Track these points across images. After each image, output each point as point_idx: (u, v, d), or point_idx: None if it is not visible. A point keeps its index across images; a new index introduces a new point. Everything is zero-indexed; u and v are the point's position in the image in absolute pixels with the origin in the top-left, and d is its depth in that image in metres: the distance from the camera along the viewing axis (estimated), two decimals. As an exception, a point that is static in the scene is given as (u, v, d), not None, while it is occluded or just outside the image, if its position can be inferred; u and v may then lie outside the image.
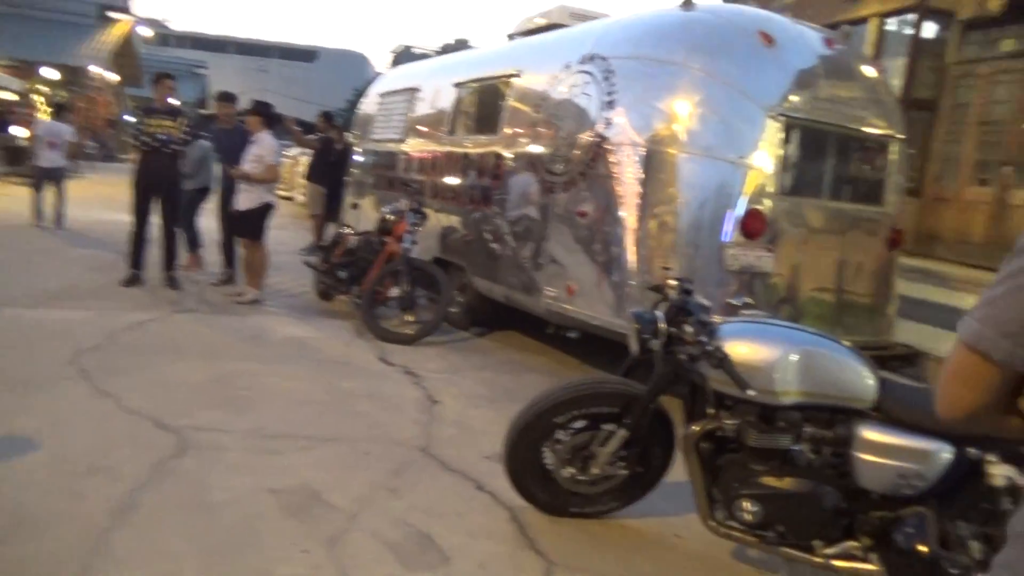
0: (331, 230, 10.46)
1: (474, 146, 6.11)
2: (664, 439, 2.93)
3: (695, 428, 2.58)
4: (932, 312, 6.71)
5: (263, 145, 6.29)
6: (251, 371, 4.62)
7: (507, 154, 5.60)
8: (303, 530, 2.77)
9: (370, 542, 2.74)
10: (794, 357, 2.44)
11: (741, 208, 4.28)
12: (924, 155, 9.31)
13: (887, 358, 4.60)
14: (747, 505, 2.52)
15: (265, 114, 6.45)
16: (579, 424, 2.89)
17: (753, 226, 4.26)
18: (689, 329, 2.52)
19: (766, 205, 4.31)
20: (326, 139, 10.23)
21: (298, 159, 15.27)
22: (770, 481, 2.52)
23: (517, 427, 2.89)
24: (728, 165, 4.35)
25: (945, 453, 2.33)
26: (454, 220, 6.34)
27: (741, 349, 2.48)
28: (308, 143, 10.02)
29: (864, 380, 2.42)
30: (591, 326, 4.67)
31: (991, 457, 2.29)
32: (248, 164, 6.28)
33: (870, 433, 2.41)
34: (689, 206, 4.36)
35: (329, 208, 10.31)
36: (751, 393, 2.39)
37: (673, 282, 2.82)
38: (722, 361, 2.40)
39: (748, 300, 4.17)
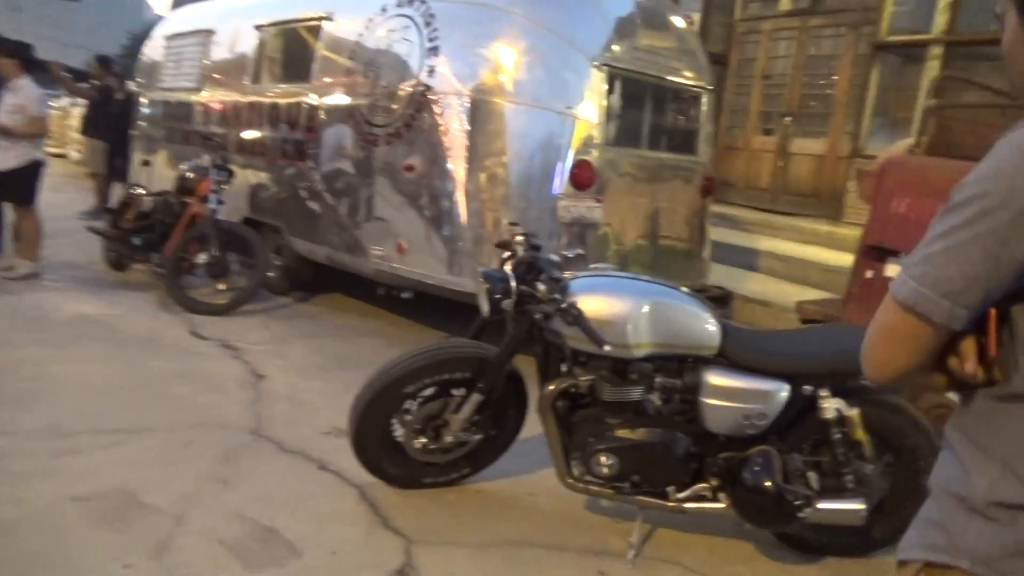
0: (118, 191, 9.38)
1: (283, 96, 5.62)
2: (517, 399, 2.86)
3: (551, 387, 2.52)
4: (730, 253, 7.27)
5: (24, 93, 5.36)
6: (35, 358, 3.98)
7: (321, 105, 5.20)
8: (121, 541, 2.41)
9: (204, 544, 2.45)
10: (645, 309, 2.44)
11: (570, 159, 4.27)
12: (717, 107, 9.96)
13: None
14: (604, 459, 2.52)
15: (23, 57, 5.49)
16: (429, 392, 2.75)
17: (582, 177, 4.27)
18: (542, 287, 2.44)
19: (594, 156, 4.34)
20: (104, 88, 9.05)
21: (69, 110, 13.50)
22: (625, 433, 2.54)
23: (363, 402, 2.69)
24: (556, 115, 4.31)
25: (783, 392, 2.46)
26: (264, 177, 5.84)
27: (593, 304, 2.45)
28: (82, 92, 8.80)
29: (709, 328, 2.48)
30: (425, 285, 4.51)
31: (823, 392, 2.45)
32: (5, 116, 5.35)
33: (716, 378, 2.48)
34: (519, 158, 4.28)
35: (113, 166, 9.20)
36: (607, 348, 2.36)
37: (521, 238, 2.73)
38: (577, 318, 2.35)
39: (580, 251, 4.23)
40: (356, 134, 4.86)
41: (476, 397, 2.69)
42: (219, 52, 6.53)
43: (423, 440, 2.80)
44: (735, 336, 2.52)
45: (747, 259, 7.49)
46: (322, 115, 5.18)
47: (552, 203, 4.26)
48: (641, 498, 2.58)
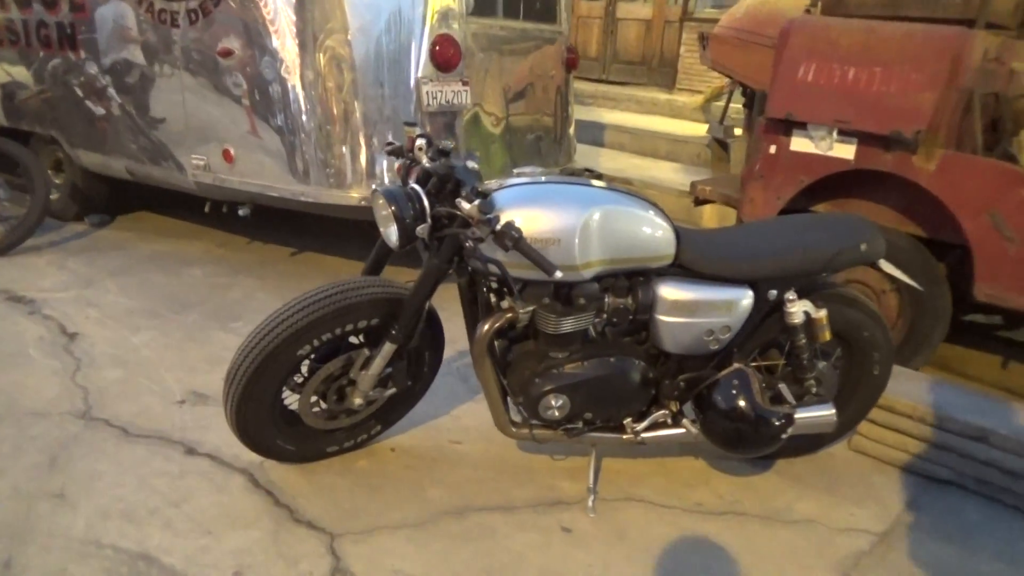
0: None
1: (29, -37, 4.31)
2: (433, 340, 2.37)
3: (486, 326, 2.05)
4: (581, 130, 6.93)
5: None
6: None
7: (88, -26, 4.02)
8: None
9: (52, 597, 1.80)
10: (593, 221, 2.00)
11: (427, 35, 3.60)
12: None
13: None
14: (552, 400, 2.14)
15: None
16: (327, 348, 2.18)
17: (447, 56, 3.63)
18: (466, 204, 1.91)
19: (455, 30, 3.68)
20: None
21: None
22: (573, 368, 2.15)
23: (243, 373, 2.07)
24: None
25: (747, 299, 2.17)
26: (20, 74, 4.57)
27: (531, 221, 1.96)
28: None
29: (663, 235, 2.10)
30: (266, 198, 3.74)
31: (790, 295, 2.19)
32: None
33: (673, 292, 2.13)
34: (364, 34, 3.53)
35: None
36: (558, 275, 1.91)
37: (421, 141, 2.14)
38: (518, 241, 1.86)
39: (449, 143, 3.66)
40: (144, 12, 3.81)
41: (389, 347, 2.16)
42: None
43: (324, 406, 2.25)
44: (689, 241, 2.16)
45: (592, 134, 7.22)
46: (91, -12, 4.02)
47: (410, 89, 3.60)
48: (595, 435, 2.25)
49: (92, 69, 4.18)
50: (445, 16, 3.65)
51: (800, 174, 3.21)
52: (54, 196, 4.65)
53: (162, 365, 2.97)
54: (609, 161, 6.54)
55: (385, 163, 3.58)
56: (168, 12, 3.71)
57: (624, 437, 2.26)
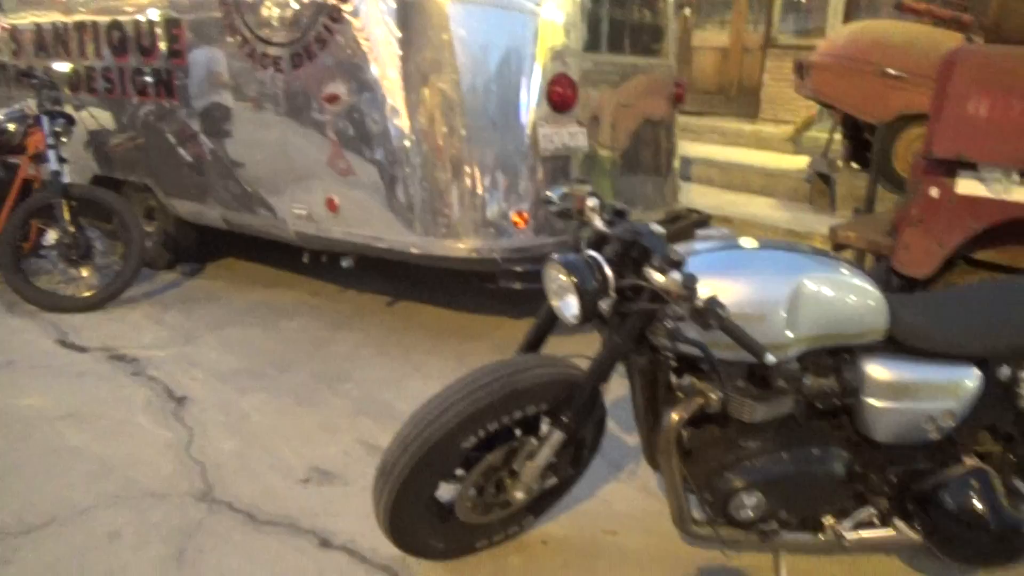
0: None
1: (126, 11, 4.25)
2: (596, 421, 2.10)
3: (677, 416, 1.78)
4: (683, 166, 6.63)
5: None
6: None
7: (187, 19, 3.93)
8: None
9: None
10: (799, 293, 1.72)
11: (539, 73, 3.39)
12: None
13: (685, 229, 4.23)
14: (745, 499, 1.84)
15: None
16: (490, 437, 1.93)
17: (564, 95, 3.41)
18: (660, 277, 1.65)
19: (572, 67, 3.47)
20: None
21: None
22: (769, 461, 1.86)
23: (402, 469, 1.83)
24: (517, 15, 3.38)
25: (976, 380, 1.85)
26: (114, 121, 4.52)
27: (730, 293, 1.70)
28: None
29: (874, 305, 1.80)
30: (373, 249, 3.55)
31: (1025, 374, 1.87)
32: None
33: (885, 372, 1.83)
34: (475, 76, 3.34)
35: None
36: (771, 359, 1.63)
37: (594, 202, 1.90)
38: (723, 320, 1.59)
39: (566, 191, 3.42)
40: (246, 57, 3.69)
41: (558, 436, 1.90)
42: (19, -43, 4.92)
43: (481, 499, 2.00)
44: (902, 311, 1.86)
45: (702, 171, 6.92)
46: (190, 34, 3.93)
47: (524, 132, 3.38)
48: (789, 538, 1.95)
49: (188, 116, 4.08)
50: (560, 54, 3.44)
51: (969, 220, 2.88)
52: (147, 245, 4.56)
53: (277, 435, 2.77)
54: (700, 197, 6.24)
55: (495, 209, 3.37)
56: (271, 57, 3.58)
57: (822, 537, 1.95)
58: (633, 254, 1.77)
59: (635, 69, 4.00)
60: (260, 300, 4.25)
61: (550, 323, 2.02)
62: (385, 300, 4.30)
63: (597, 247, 1.85)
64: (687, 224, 4.28)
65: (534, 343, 2.06)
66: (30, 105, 4.29)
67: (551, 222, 3.48)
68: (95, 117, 4.60)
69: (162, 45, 4.05)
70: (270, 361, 3.43)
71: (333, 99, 3.42)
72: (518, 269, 3.33)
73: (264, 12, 3.55)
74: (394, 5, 3.29)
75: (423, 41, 3.30)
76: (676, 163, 4.57)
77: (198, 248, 4.79)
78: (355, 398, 3.09)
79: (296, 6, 3.43)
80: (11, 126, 4.26)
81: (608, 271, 1.74)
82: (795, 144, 7.23)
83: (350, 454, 2.66)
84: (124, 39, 4.24)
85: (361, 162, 3.44)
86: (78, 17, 4.49)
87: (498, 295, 4.12)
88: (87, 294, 4.01)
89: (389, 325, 3.92)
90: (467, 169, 3.32)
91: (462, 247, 3.34)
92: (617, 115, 3.88)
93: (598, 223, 1.87)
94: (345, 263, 3.73)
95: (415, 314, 4.07)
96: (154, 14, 4.05)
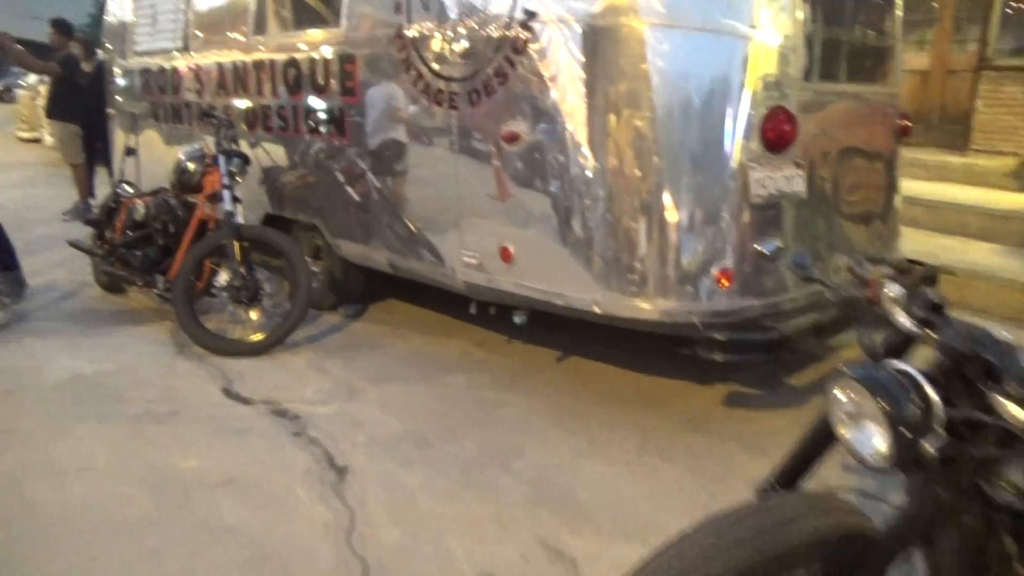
0: (103, 182, 7.99)
1: (301, 48, 4.17)
2: None
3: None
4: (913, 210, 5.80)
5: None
6: (7, 470, 2.70)
7: (361, 56, 3.77)
8: None
9: None
10: None
11: (755, 106, 2.89)
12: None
13: (912, 283, 3.53)
14: None
15: None
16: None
17: (781, 132, 2.90)
18: (1018, 411, 1.12)
19: (790, 99, 2.95)
20: (68, 59, 7.54)
21: (37, 89, 11.95)
22: None
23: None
24: (726, 40, 2.92)
25: None
26: (286, 160, 4.45)
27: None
28: (41, 67, 7.28)
29: None
30: (551, 305, 3.18)
31: None
32: None
33: None
34: (674, 112, 2.90)
35: (91, 151, 7.79)
36: None
37: (894, 290, 1.40)
38: None
39: (779, 244, 2.89)
40: (420, 93, 3.45)
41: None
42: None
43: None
44: None
45: (935, 216, 6.07)
46: (364, 71, 3.76)
47: (729, 175, 2.89)
48: None
49: (357, 155, 3.92)
50: (777, 84, 2.93)
51: None
52: (313, 286, 4.45)
53: (445, 525, 2.42)
54: (907, 241, 5.40)
55: (694, 265, 2.89)
56: (447, 93, 3.31)
57: None
58: (970, 372, 1.24)
59: (857, 99, 3.40)
60: (423, 349, 3.99)
61: (818, 450, 1.51)
62: (555, 355, 3.91)
63: (898, 353, 1.34)
64: (912, 281, 3.59)
65: (793, 475, 1.56)
66: (209, 144, 4.30)
67: (759, 281, 2.96)
68: (269, 155, 4.57)
69: (335, 82, 3.92)
70: (435, 426, 3.12)
71: (512, 138, 3.09)
72: (720, 337, 2.83)
73: (441, 47, 3.30)
74: (582, 32, 2.93)
75: (616, 72, 2.90)
76: (897, 206, 3.89)
77: (363, 289, 4.63)
78: (529, 481, 2.70)
79: (476, 39, 3.14)
80: (191, 165, 4.28)
81: (934, 396, 1.23)
82: (1020, 180, 6.21)
83: (529, 559, 2.26)
84: (299, 76, 4.16)
85: (541, 208, 3.08)
86: (257, 55, 4.48)
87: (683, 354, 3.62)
88: (255, 338, 3.90)
89: (561, 386, 3.52)
90: (662, 218, 2.87)
91: (654, 308, 2.89)
92: (834, 152, 3.29)
93: (904, 320, 1.36)
94: (518, 319, 3.38)
95: (589, 374, 3.65)
96: (328, 51, 3.93)
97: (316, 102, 4.08)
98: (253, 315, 4.02)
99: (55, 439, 2.96)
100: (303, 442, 2.97)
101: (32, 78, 12.31)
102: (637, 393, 3.44)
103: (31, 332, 4.18)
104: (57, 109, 7.61)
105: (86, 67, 7.73)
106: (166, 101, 5.46)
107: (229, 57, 4.74)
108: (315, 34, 4.10)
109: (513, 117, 3.08)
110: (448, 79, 3.29)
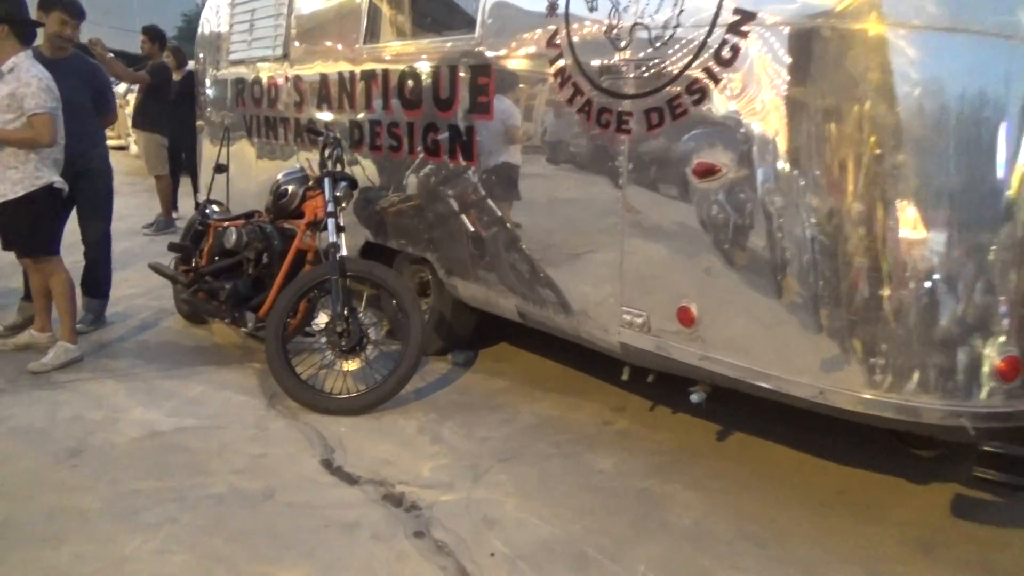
0: (186, 192, 7.65)
1: (421, 58, 3.60)
2: None
3: None
4: None
5: (20, 77, 3.46)
6: (60, 566, 2.15)
7: (499, 66, 3.16)
8: None
9: None
10: None
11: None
12: None
13: None
14: None
15: (10, 18, 3.48)
16: None
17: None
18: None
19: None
20: (159, 68, 7.23)
21: (127, 98, 11.88)
22: None
23: None
24: (1001, 46, 2.19)
25: None
26: (394, 182, 3.88)
27: None
28: (131, 76, 6.98)
29: None
30: (748, 385, 2.47)
31: None
32: None
33: None
34: (930, 138, 2.17)
35: (175, 163, 7.46)
36: None
37: None
38: None
39: None
40: (577, 113, 2.81)
41: None
42: (309, 3, 4.54)
43: None
44: None
45: None
46: (502, 84, 3.15)
47: (1013, 229, 2.15)
48: None
49: (487, 183, 3.31)
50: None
51: None
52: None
53: None
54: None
55: (965, 350, 2.14)
56: (615, 113, 2.66)
57: None
58: None
59: None
60: (551, 414, 3.33)
61: None
62: (712, 429, 3.20)
63: None
64: None
65: None
66: (311, 165, 3.76)
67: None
68: (375, 176, 4.02)
69: (464, 97, 3.32)
70: (590, 532, 2.44)
71: (708, 172, 2.41)
72: (999, 449, 2.08)
73: (611, 56, 2.66)
74: (816, 38, 2.24)
75: (854, 90, 2.20)
76: None
77: (472, 334, 4.02)
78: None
79: (661, 47, 2.49)
80: (290, 187, 3.75)
81: None
82: None
83: None
84: (417, 90, 3.59)
85: (745, 262, 2.39)
86: (367, 66, 3.94)
87: (881, 435, 2.88)
88: (357, 393, 3.31)
89: (731, 476, 2.81)
90: (922, 282, 2.14)
91: (907, 403, 2.15)
92: None
93: None
94: (696, 397, 2.68)
95: (760, 459, 2.94)
96: (457, 61, 3.34)
97: (438, 119, 3.49)
98: (355, 365, 3.43)
99: (123, 528, 2.40)
100: (428, 548, 2.34)
101: (122, 87, 12.26)
102: (835, 491, 2.71)
103: (106, 371, 3.69)
104: (144, 119, 7.31)
105: (176, 77, 7.41)
106: (261, 114, 4.99)
107: (334, 67, 4.21)
108: (440, 42, 3.52)
109: (711, 145, 2.41)
110: (618, 95, 2.64)
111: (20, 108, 3.43)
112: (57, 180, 3.63)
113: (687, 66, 2.42)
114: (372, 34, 3.98)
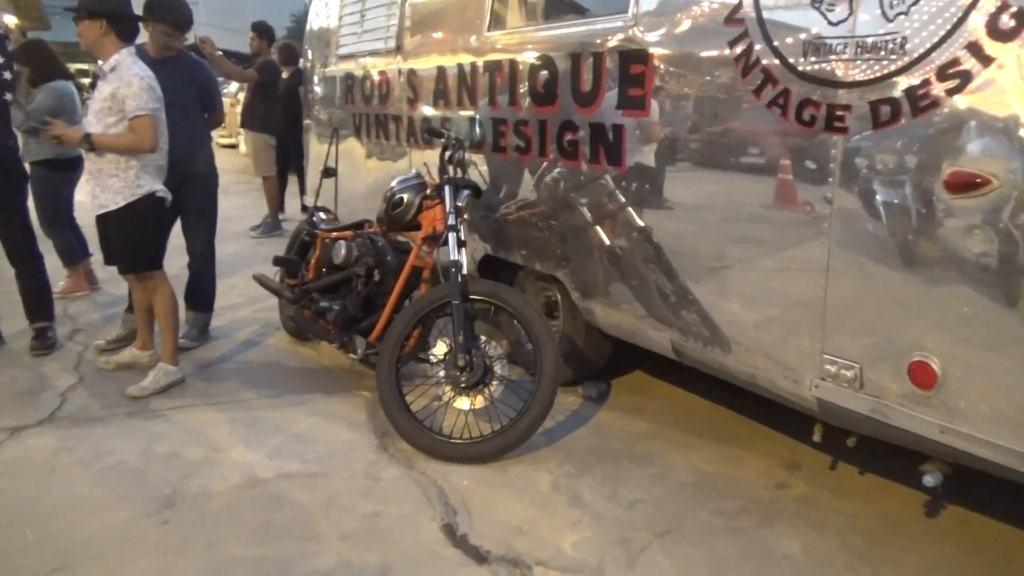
0: (293, 192, 7.49)
1: (559, 44, 3.08)
2: None
3: None
4: None
5: (121, 76, 3.16)
6: None
7: (662, 50, 2.60)
8: None
9: None
10: None
11: None
12: None
13: None
14: None
15: (110, 13, 3.19)
16: None
17: None
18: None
19: None
20: (267, 65, 7.05)
21: (237, 97, 12.01)
22: None
23: None
24: None
25: None
26: (521, 189, 3.39)
27: None
28: (240, 75, 6.81)
29: None
30: (1014, 472, 1.84)
31: None
32: (94, 117, 3.21)
33: None
34: None
35: (283, 164, 7.27)
36: None
37: None
38: None
39: None
40: (768, 107, 2.22)
41: None
42: (426, -10, 4.10)
43: None
44: None
45: None
46: (662, 74, 2.59)
47: None
48: None
49: (639, 193, 2.76)
50: None
51: None
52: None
53: None
54: None
55: None
56: (825, 107, 2.06)
57: None
58: None
59: None
60: (709, 470, 2.77)
61: None
62: (917, 500, 2.56)
63: None
64: None
65: None
66: (429, 170, 3.32)
67: None
68: (498, 181, 3.54)
69: (612, 90, 2.78)
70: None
71: (970, 185, 1.78)
72: None
73: (821, 31, 2.05)
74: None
75: None
76: None
77: (606, 362, 3.49)
78: None
79: (906, 15, 1.87)
80: (405, 196, 3.32)
81: None
82: None
83: None
84: (553, 82, 3.07)
85: (1009, 310, 1.75)
86: (493, 56, 3.45)
87: None
88: (480, 437, 2.84)
89: (960, 569, 2.17)
90: None
91: None
92: None
93: None
94: (931, 479, 2.06)
95: (993, 543, 2.28)
96: (604, 48, 2.80)
97: (578, 116, 2.97)
98: (477, 403, 2.97)
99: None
100: (584, 669, 1.83)
101: (233, 85, 12.40)
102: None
103: (207, 396, 3.37)
104: (252, 118, 7.13)
105: (285, 74, 7.21)
106: (372, 112, 4.61)
107: (453, 59, 3.75)
108: (582, 25, 2.99)
109: (974, 150, 1.78)
110: (829, 83, 2.04)
111: (122, 110, 3.14)
112: (160, 188, 3.33)
113: (941, 41, 1.79)
114: (498, 20, 3.50)
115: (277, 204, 7.28)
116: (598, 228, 2.96)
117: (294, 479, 2.68)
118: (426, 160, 3.58)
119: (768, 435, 3.02)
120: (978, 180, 1.76)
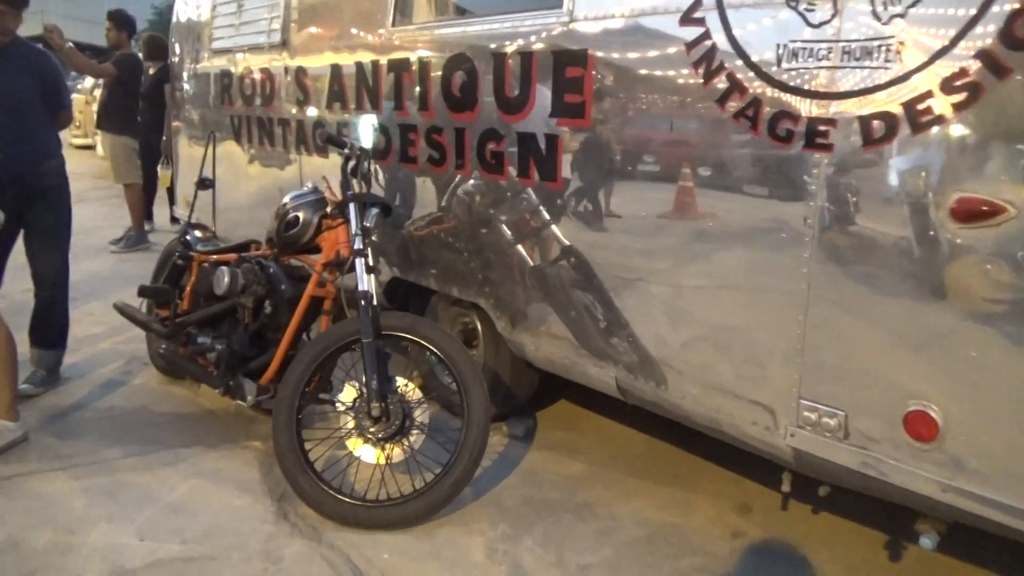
0: (162, 199, 6.77)
1: (479, 41, 2.71)
2: None
3: None
4: None
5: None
6: None
7: (603, 52, 2.29)
8: None
9: None
10: None
11: None
12: None
13: None
14: None
15: None
16: None
17: None
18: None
19: None
20: (128, 59, 6.28)
21: (93, 93, 10.93)
22: None
23: None
24: None
25: None
26: (436, 205, 3.00)
27: None
28: (95, 69, 6.00)
29: None
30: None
31: None
32: None
33: None
34: None
35: (149, 170, 6.51)
36: None
37: None
38: None
39: None
40: (733, 119, 1.95)
41: None
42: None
43: None
44: None
45: None
46: (605, 78, 2.28)
47: None
48: None
49: (580, 212, 2.45)
50: None
51: None
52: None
53: None
54: None
55: None
56: (804, 120, 1.81)
57: None
58: None
59: None
60: (661, 521, 2.48)
61: None
62: (877, 541, 2.38)
63: None
64: None
65: None
66: (330, 186, 2.87)
67: None
68: (405, 198, 3.14)
69: (545, 96, 2.45)
70: None
71: (980, 214, 1.56)
72: None
73: (800, 33, 1.80)
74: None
75: None
76: None
77: (530, 397, 3.16)
78: None
79: (904, 16, 1.63)
80: (301, 215, 2.85)
81: None
82: None
83: None
84: (472, 85, 2.71)
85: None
86: (398, 54, 3.05)
87: None
88: (400, 499, 2.43)
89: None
90: None
91: None
92: None
93: None
94: (927, 541, 1.84)
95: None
96: (535, 47, 2.46)
97: (502, 125, 2.61)
98: (392, 454, 2.55)
99: None
100: None
101: (89, 81, 11.27)
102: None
103: (57, 458, 2.78)
104: (110, 119, 6.32)
105: (152, 70, 6.45)
106: (254, 115, 4.07)
107: (351, 57, 3.31)
108: (508, 20, 2.63)
109: (986, 174, 1.56)
110: (809, 94, 1.78)
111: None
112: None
113: (948, 48, 1.57)
114: (404, 12, 3.09)
115: (142, 214, 6.50)
116: (528, 251, 2.62)
117: (171, 567, 2.18)
118: (317, 168, 3.13)
119: (712, 472, 2.78)
120: (989, 208, 1.54)
